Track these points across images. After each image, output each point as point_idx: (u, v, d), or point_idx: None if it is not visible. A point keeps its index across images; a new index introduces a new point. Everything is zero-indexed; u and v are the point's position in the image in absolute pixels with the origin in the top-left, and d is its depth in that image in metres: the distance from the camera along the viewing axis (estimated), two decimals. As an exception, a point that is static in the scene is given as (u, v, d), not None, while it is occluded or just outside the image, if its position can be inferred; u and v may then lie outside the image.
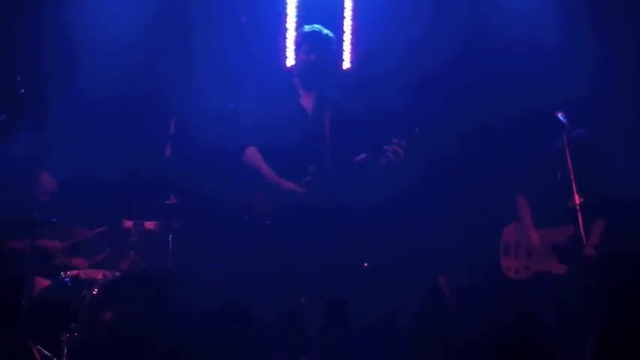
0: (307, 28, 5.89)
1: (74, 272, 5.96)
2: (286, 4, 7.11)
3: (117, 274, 5.98)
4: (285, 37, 7.11)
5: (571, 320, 5.85)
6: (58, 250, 6.30)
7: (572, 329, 5.88)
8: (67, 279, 5.89)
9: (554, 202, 5.92)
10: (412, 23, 7.08)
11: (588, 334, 5.87)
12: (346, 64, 7.27)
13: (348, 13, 7.26)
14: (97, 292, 5.74)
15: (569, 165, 5.36)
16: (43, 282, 5.97)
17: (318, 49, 5.79)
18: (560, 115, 5.54)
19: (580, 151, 5.68)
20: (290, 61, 6.97)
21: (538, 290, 6.16)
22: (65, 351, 5.50)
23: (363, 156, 5.70)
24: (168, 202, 6.26)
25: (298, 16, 7.06)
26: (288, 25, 7.11)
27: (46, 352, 5.50)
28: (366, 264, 6.67)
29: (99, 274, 5.93)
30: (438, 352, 6.40)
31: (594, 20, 6.88)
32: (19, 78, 5.67)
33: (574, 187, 5.30)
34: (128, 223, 6.34)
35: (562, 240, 5.71)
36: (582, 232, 5.30)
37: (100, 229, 6.38)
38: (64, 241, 6.40)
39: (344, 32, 7.24)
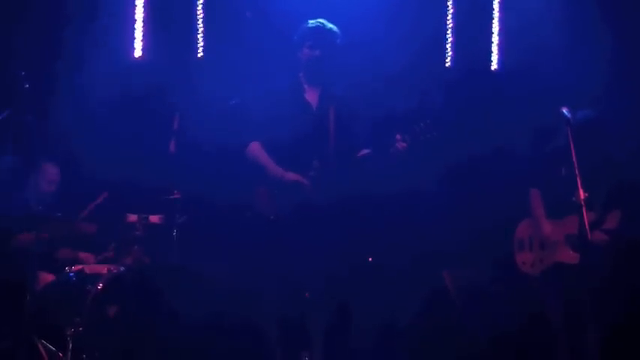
0: (311, 22, 5.87)
1: (79, 267, 5.96)
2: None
3: (121, 269, 5.99)
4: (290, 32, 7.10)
5: (578, 317, 5.84)
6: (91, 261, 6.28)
7: (578, 326, 5.87)
8: (71, 274, 5.90)
9: (561, 197, 5.92)
10: (417, 21, 7.07)
11: (595, 331, 5.87)
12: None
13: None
14: (102, 287, 5.76)
15: (574, 160, 5.35)
16: (48, 277, 5.97)
17: (323, 44, 5.78)
18: (564, 110, 5.52)
19: (583, 131, 5.68)
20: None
21: (544, 287, 6.16)
22: (70, 346, 5.52)
23: (366, 151, 5.70)
24: (172, 196, 6.26)
25: (302, 10, 7.03)
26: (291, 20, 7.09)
27: (50, 346, 5.51)
28: (370, 259, 6.67)
29: (103, 269, 5.94)
30: (442, 350, 6.39)
31: (604, 14, 6.86)
32: (23, 73, 5.66)
33: (578, 182, 5.29)
34: (133, 217, 6.34)
35: (574, 229, 5.70)
36: (587, 227, 5.28)
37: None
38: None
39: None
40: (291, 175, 5.66)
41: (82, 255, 6.36)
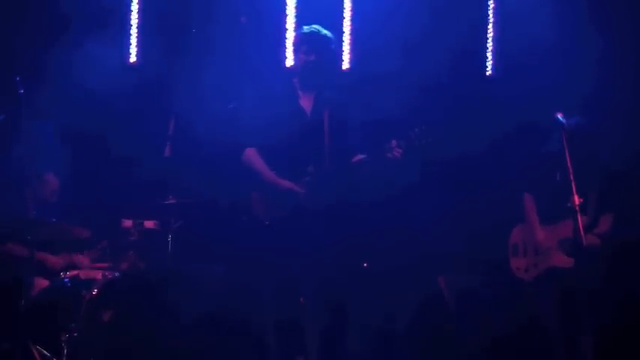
0: (306, 28, 5.89)
1: (74, 272, 5.96)
2: (286, 4, 7.11)
3: (116, 274, 5.98)
4: (284, 38, 7.12)
5: (572, 321, 5.86)
6: (59, 265, 6.25)
7: (573, 330, 5.89)
8: (66, 279, 5.89)
9: (554, 202, 5.94)
10: (411, 23, 7.09)
11: (590, 335, 5.89)
12: (345, 65, 7.27)
13: (347, 14, 7.26)
14: (97, 292, 5.75)
15: (569, 165, 5.37)
16: (43, 282, 5.96)
17: (317, 50, 5.80)
18: (559, 116, 5.54)
19: (575, 137, 5.70)
20: (289, 61, 6.97)
21: (539, 292, 6.17)
22: (65, 351, 5.52)
23: (361, 156, 5.71)
24: (167, 202, 6.26)
25: (297, 16, 7.05)
26: (287, 26, 7.11)
27: (45, 352, 5.50)
28: (365, 264, 6.68)
29: (98, 275, 5.93)
30: (437, 354, 6.40)
31: (594, 17, 6.89)
32: (17, 78, 5.66)
33: (573, 187, 5.31)
34: (128, 223, 6.34)
35: (568, 234, 5.72)
36: (582, 232, 5.30)
37: None
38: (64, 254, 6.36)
39: (343, 32, 7.24)
40: (286, 183, 5.68)
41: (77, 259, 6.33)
